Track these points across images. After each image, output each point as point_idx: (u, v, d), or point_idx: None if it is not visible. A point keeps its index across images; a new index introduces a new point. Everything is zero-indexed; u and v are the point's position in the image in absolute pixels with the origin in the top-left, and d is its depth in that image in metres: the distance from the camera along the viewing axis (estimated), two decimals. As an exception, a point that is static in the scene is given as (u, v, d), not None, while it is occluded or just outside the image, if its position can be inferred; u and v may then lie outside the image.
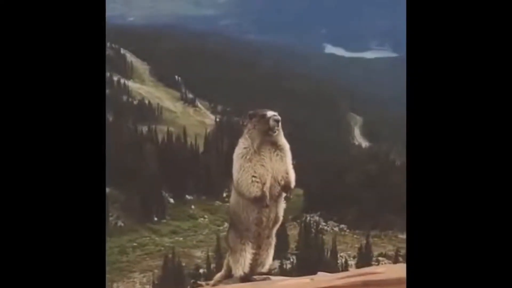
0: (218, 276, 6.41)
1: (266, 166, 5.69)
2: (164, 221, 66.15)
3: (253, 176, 5.67)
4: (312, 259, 49.56)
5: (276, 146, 5.73)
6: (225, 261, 6.31)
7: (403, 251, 52.92)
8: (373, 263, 51.73)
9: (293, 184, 5.88)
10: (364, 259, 51.40)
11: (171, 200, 69.14)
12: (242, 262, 5.88)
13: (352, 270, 6.90)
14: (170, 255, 53.78)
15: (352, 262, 53.25)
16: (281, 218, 5.97)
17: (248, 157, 5.70)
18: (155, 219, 65.81)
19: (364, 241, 55.12)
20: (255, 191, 5.67)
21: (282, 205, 5.91)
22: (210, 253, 53.99)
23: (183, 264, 54.42)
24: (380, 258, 54.47)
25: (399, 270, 4.89)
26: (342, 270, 47.34)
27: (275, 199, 5.80)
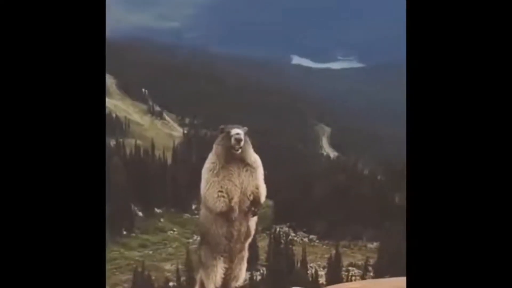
0: (191, 292, 6.42)
1: (234, 181, 5.70)
2: (133, 234, 65.74)
3: (219, 191, 5.69)
4: (282, 270, 49.52)
5: (244, 162, 5.75)
6: (198, 276, 6.31)
7: (372, 261, 53.30)
8: (343, 273, 51.95)
9: (263, 199, 5.90)
10: (334, 269, 51.55)
11: (140, 213, 68.68)
12: (213, 277, 5.89)
13: (329, 287, 6.90)
14: (139, 269, 53.43)
15: (322, 272, 53.33)
16: (253, 232, 5.99)
17: (215, 172, 5.72)
18: (124, 232, 65.28)
19: (334, 251, 55.28)
20: (220, 206, 5.69)
21: (254, 219, 5.93)
22: (180, 266, 53.75)
23: (153, 277, 54.13)
24: (350, 268, 54.71)
25: (373, 287, 4.92)
26: (313, 281, 47.45)
27: (245, 214, 5.81)
